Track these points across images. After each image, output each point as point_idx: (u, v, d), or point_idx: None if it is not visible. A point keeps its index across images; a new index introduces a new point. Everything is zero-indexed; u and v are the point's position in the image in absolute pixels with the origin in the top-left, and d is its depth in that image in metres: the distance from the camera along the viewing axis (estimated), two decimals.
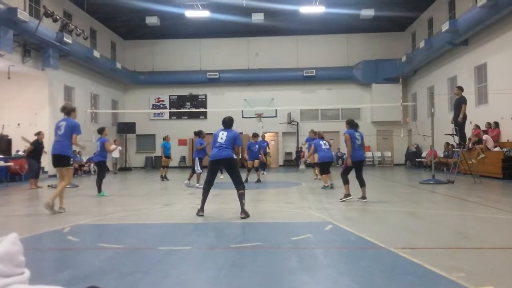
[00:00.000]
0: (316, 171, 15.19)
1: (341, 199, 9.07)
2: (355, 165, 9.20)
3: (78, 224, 6.72)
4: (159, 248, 4.99)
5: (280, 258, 4.47)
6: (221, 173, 16.10)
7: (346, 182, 9.15)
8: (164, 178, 16.41)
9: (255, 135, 15.66)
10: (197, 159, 13.32)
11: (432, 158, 14.49)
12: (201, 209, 7.37)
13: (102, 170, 11.55)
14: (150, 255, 4.73)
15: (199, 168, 13.18)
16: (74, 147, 8.63)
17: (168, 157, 16.83)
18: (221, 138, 7.40)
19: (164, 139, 17.12)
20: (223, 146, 7.34)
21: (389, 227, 6.25)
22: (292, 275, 3.83)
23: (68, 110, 8.38)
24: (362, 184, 9.17)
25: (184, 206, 9.02)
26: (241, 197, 7.19)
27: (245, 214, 7.06)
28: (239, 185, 7.27)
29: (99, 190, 11.23)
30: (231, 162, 7.40)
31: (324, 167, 12.54)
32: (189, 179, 13.78)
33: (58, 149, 8.04)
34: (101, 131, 11.73)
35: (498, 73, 16.52)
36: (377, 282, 3.60)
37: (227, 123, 7.72)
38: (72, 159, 8.14)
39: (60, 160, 8.08)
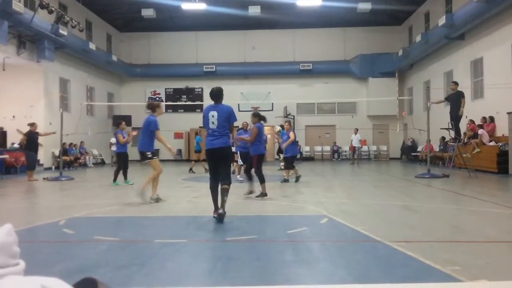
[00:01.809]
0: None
1: (256, 196, 8.77)
2: (262, 159, 9.18)
3: (74, 217, 6.71)
4: (155, 241, 4.99)
5: (276, 251, 4.48)
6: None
7: (264, 179, 8.85)
8: (206, 170, 16.73)
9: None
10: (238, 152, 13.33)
11: (428, 152, 14.55)
12: (216, 209, 6.26)
13: (121, 160, 12.19)
14: (146, 248, 4.73)
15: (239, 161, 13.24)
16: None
17: (198, 151, 17.23)
18: (213, 123, 6.32)
19: (197, 133, 18.16)
20: (217, 134, 6.30)
21: (384, 220, 6.28)
22: (288, 268, 3.84)
23: (152, 107, 8.86)
24: (262, 180, 8.97)
25: (181, 199, 9.03)
26: (224, 193, 6.27)
27: (223, 211, 6.16)
28: (226, 180, 6.35)
29: (125, 178, 12.00)
30: (227, 151, 6.40)
31: (291, 161, 12.36)
32: (239, 173, 13.57)
33: (139, 146, 8.62)
34: (118, 124, 12.74)
35: (494, 67, 16.55)
36: (372, 275, 3.62)
37: (216, 95, 6.50)
38: (150, 153, 8.50)
39: (141, 155, 8.61)
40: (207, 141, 6.38)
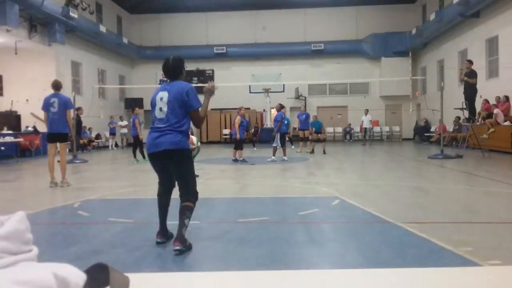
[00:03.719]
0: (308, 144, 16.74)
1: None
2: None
3: (89, 199, 6.81)
4: (168, 222, 5.04)
5: (287, 233, 4.51)
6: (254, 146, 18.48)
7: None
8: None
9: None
10: (278, 134, 13.60)
11: (441, 132, 14.40)
12: (160, 231, 4.22)
13: (137, 142, 13.45)
14: (158, 229, 4.78)
15: (278, 142, 13.51)
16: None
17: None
18: (160, 110, 4.04)
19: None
20: (164, 127, 3.98)
21: (396, 201, 6.26)
22: (300, 249, 3.87)
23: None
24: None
25: None
26: (185, 213, 4.03)
27: (181, 243, 3.83)
28: (187, 195, 4.11)
29: (143, 156, 12.98)
30: (179, 155, 4.02)
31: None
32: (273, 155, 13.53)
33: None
34: (133, 109, 14.43)
35: (510, 46, 16.21)
36: (384, 256, 3.63)
37: (171, 68, 4.20)
38: None
39: None
40: (149, 139, 4.07)
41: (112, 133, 23.17)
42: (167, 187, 4.25)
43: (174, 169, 4.09)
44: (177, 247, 3.78)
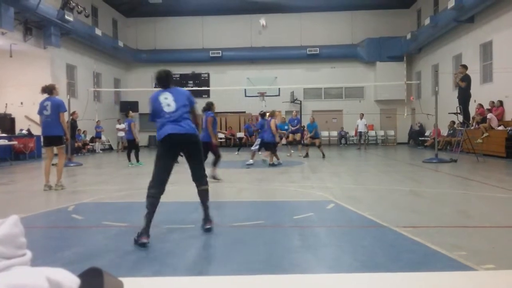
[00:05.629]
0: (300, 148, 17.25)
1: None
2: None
3: (83, 203, 6.78)
4: (163, 226, 5.03)
5: (282, 237, 4.51)
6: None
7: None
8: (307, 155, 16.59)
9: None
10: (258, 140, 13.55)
11: (435, 137, 14.47)
12: (145, 232, 4.20)
13: (132, 145, 13.53)
14: (154, 233, 4.76)
15: (257, 146, 13.46)
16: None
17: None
18: (169, 105, 4.62)
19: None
20: (176, 116, 4.57)
21: (391, 206, 6.27)
22: (295, 253, 3.87)
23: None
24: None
25: (189, 185, 9.06)
26: (206, 197, 4.87)
27: (211, 222, 4.77)
28: (202, 178, 4.86)
29: (138, 160, 13.51)
30: (197, 141, 4.72)
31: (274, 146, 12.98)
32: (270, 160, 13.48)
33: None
34: (127, 113, 14.63)
35: (504, 51, 16.34)
36: (379, 260, 3.63)
37: (164, 79, 4.93)
38: None
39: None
40: (166, 127, 4.51)
41: (98, 136, 23.06)
42: (163, 187, 4.48)
43: (192, 151, 4.69)
44: (208, 226, 4.68)
